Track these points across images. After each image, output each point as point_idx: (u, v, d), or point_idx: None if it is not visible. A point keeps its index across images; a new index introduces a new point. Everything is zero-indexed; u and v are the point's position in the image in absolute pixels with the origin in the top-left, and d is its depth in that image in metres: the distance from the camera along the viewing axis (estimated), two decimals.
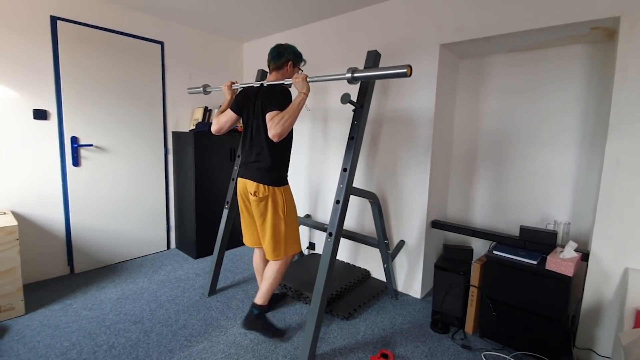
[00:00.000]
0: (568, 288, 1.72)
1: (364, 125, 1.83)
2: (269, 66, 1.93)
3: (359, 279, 2.63)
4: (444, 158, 2.59)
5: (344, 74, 1.65)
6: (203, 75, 3.40)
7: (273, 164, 1.81)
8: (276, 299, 2.33)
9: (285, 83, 1.82)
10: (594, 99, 2.04)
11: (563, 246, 1.91)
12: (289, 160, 1.95)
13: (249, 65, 3.74)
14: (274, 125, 1.62)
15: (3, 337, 1.89)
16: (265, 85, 1.85)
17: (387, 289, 2.57)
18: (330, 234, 1.77)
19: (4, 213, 2.25)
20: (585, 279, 1.82)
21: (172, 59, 3.16)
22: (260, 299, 1.94)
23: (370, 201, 2.13)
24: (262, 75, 2.47)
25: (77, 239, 2.69)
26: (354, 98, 1.79)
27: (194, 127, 3.15)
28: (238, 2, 2.60)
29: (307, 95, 1.71)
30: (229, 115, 1.96)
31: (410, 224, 2.51)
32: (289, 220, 1.88)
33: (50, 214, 2.56)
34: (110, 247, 2.90)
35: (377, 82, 2.38)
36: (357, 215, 2.81)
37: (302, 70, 1.98)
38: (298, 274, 2.64)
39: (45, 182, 2.52)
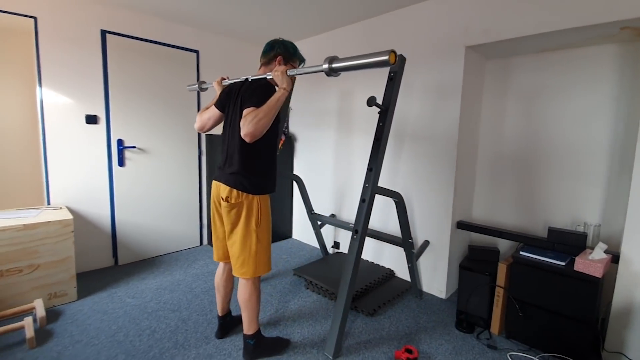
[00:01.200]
0: (596, 289, 1.71)
1: (389, 127, 1.90)
2: (260, 61, 1.77)
3: (383, 277, 2.69)
4: (470, 159, 2.60)
5: (321, 65, 1.46)
6: None
7: (249, 168, 1.61)
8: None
9: (268, 77, 1.63)
10: (626, 99, 2.01)
11: (593, 248, 1.89)
12: (270, 167, 1.71)
13: None
14: (246, 123, 1.42)
15: (58, 320, 2.10)
16: (249, 80, 1.68)
17: (411, 288, 2.60)
18: (356, 232, 1.86)
19: (60, 208, 2.50)
20: (616, 281, 1.79)
21: (206, 66, 3.37)
22: (249, 328, 1.74)
23: (394, 200, 2.19)
24: None
25: (120, 234, 2.93)
26: (379, 101, 1.87)
27: None
28: (267, 12, 2.75)
29: (287, 91, 1.52)
30: (212, 112, 1.78)
31: (435, 225, 2.54)
32: (261, 234, 1.66)
33: (98, 210, 2.81)
34: (149, 242, 3.12)
35: (403, 84, 2.42)
36: (382, 214, 2.86)
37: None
38: (323, 271, 2.73)
39: (95, 180, 2.77)
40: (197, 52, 3.28)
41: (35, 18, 2.43)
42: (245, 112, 1.48)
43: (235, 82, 1.77)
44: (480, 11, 2.19)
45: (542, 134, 2.35)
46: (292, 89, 1.67)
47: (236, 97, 1.65)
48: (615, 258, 1.81)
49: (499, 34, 2.10)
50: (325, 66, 1.45)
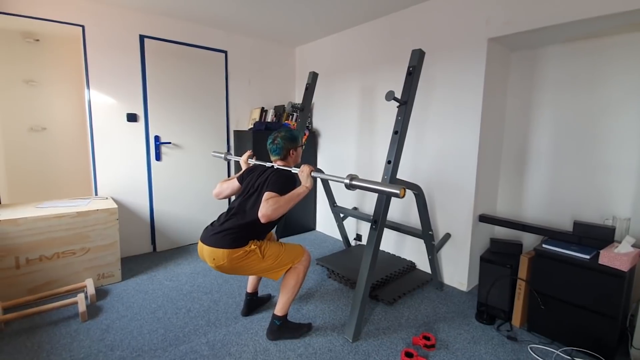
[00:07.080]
0: (622, 283, 1.67)
1: (408, 121, 1.94)
2: (271, 156, 1.95)
3: (404, 269, 2.74)
4: (494, 152, 2.58)
5: (343, 179, 1.65)
6: (260, 79, 3.74)
7: (245, 231, 1.73)
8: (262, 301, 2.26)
9: (294, 171, 1.83)
10: None
11: (621, 242, 1.84)
12: (263, 232, 1.84)
13: (301, 68, 4.00)
14: (267, 205, 1.57)
15: (106, 298, 2.35)
16: (275, 167, 1.89)
17: (432, 280, 2.63)
18: (375, 222, 1.93)
19: (106, 198, 2.76)
20: None
21: (234, 65, 3.53)
22: (280, 310, 1.90)
23: (414, 193, 2.23)
24: (312, 77, 2.70)
25: (158, 223, 3.18)
26: (398, 95, 1.91)
27: (252, 126, 3.50)
28: (291, 11, 2.84)
29: (309, 189, 1.72)
30: (232, 183, 2.01)
31: (457, 217, 2.55)
32: (273, 254, 1.79)
33: (138, 201, 3.06)
34: (183, 231, 3.36)
35: (424, 78, 2.44)
36: (403, 207, 2.90)
37: (304, 146, 1.90)
38: (345, 262, 2.82)
39: (135, 173, 3.02)
40: (225, 52, 3.46)
41: (83, 26, 2.69)
42: (267, 195, 1.63)
43: (260, 164, 2.02)
44: (501, 2, 2.16)
45: (570, 126, 2.29)
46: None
47: (259, 176, 1.87)
48: None
49: (522, 25, 2.07)
50: (347, 181, 1.64)
